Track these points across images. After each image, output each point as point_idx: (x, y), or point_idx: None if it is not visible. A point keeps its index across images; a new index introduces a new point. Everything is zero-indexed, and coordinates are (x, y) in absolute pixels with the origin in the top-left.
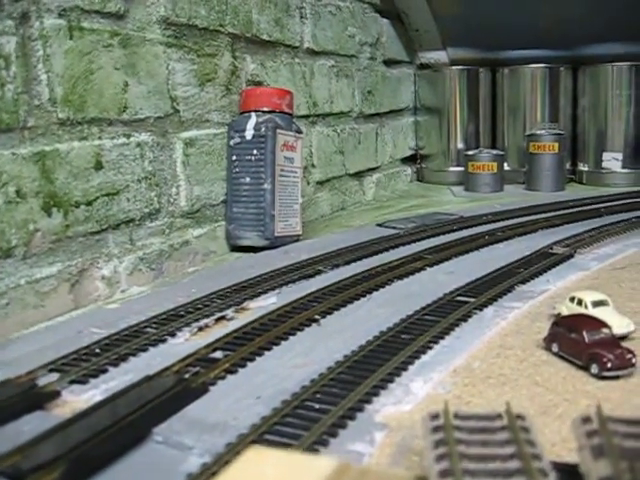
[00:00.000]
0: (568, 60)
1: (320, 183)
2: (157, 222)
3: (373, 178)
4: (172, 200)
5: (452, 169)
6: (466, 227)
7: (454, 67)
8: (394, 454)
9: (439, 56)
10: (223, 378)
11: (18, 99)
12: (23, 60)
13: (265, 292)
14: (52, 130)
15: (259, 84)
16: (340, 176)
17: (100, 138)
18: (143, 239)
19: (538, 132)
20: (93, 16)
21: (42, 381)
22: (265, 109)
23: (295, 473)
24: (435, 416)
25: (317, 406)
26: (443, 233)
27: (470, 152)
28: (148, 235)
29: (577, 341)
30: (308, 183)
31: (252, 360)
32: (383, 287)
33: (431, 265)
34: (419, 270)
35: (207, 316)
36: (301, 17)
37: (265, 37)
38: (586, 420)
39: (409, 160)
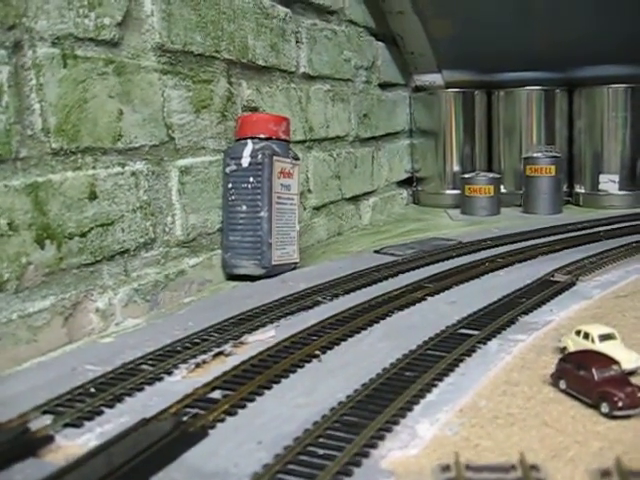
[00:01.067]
0: (564, 82)
1: (316, 208)
2: (152, 252)
3: (369, 202)
4: (167, 229)
5: (448, 192)
6: (465, 253)
7: (449, 90)
8: None
9: (434, 79)
10: (222, 420)
11: (10, 129)
12: (15, 89)
13: (264, 325)
14: (45, 160)
15: (255, 110)
16: (336, 201)
17: (94, 168)
18: (138, 270)
19: (535, 155)
20: (87, 44)
21: (35, 424)
22: (262, 136)
23: None
24: (446, 467)
25: (321, 452)
26: (442, 260)
27: (466, 175)
28: (143, 265)
29: (586, 379)
30: (304, 208)
31: (252, 400)
32: (384, 319)
33: (432, 294)
34: (420, 300)
35: (205, 352)
36: (297, 42)
37: (261, 62)
38: (605, 474)
39: (405, 183)
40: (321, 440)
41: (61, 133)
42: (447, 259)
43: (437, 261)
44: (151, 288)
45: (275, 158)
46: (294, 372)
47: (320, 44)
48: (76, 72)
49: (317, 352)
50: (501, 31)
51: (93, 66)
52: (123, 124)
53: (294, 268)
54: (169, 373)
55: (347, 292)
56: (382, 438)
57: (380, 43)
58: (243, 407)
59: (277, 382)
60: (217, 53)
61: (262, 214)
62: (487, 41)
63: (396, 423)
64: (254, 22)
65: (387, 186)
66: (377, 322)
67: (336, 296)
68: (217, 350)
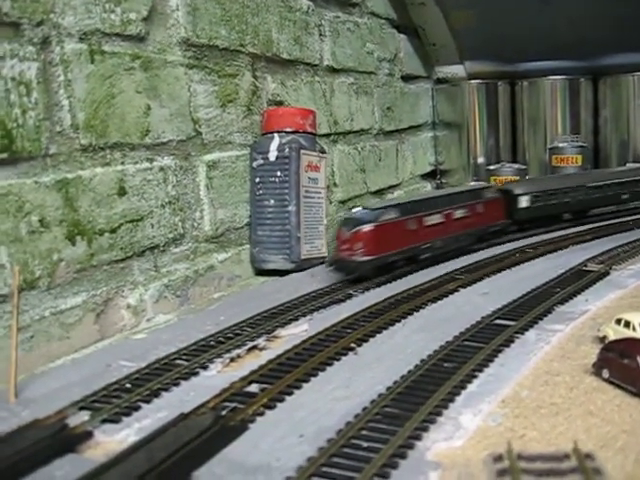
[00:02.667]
0: (588, 71)
1: (342, 202)
2: (181, 247)
3: (394, 195)
4: (196, 225)
5: (472, 184)
6: (495, 244)
7: (472, 81)
8: None
9: (457, 70)
10: (262, 414)
11: (40, 126)
12: (44, 86)
13: (296, 319)
14: (74, 157)
15: (280, 104)
16: (362, 194)
17: (123, 163)
18: (168, 265)
19: (561, 145)
20: (114, 39)
21: (72, 421)
22: (288, 129)
23: None
24: (499, 457)
25: (365, 444)
26: (472, 251)
27: (492, 166)
28: (173, 261)
29: (631, 367)
30: (330, 202)
31: (290, 394)
32: (417, 311)
33: (464, 286)
34: (452, 292)
35: (238, 346)
36: (320, 35)
37: (285, 56)
38: None
39: (429, 176)
40: (364, 433)
41: (90, 129)
42: (477, 250)
43: (467, 252)
44: (181, 284)
45: (302, 151)
46: (330, 365)
47: (343, 37)
48: (103, 67)
49: (353, 345)
50: (523, 20)
51: (120, 61)
52: (151, 119)
53: (322, 262)
54: (204, 368)
55: (378, 285)
56: (426, 430)
57: (402, 35)
58: (282, 401)
59: (314, 375)
60: (242, 47)
61: (290, 208)
62: (509, 31)
63: (439, 414)
64: (277, 15)
65: (411, 179)
66: (411, 314)
67: (367, 289)
68: (251, 344)
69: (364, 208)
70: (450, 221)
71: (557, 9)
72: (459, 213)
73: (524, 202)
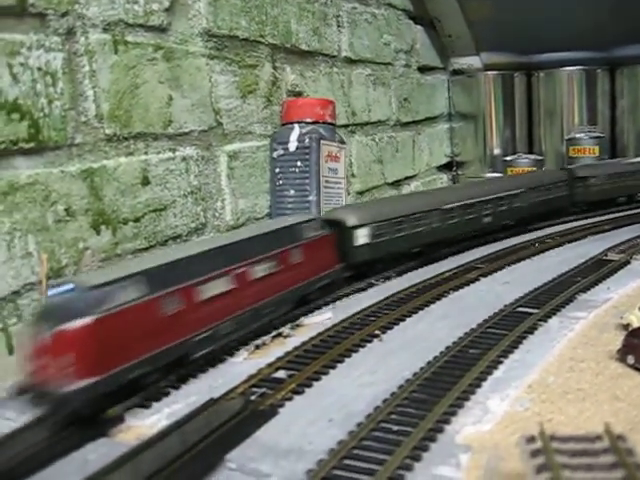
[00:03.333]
0: (605, 61)
1: (360, 193)
2: (203, 237)
3: (411, 187)
4: (217, 214)
5: (489, 175)
6: (514, 235)
7: (488, 72)
8: (482, 478)
9: (472, 61)
10: (290, 399)
11: (66, 116)
12: (69, 76)
13: (319, 307)
14: (99, 146)
15: (299, 95)
16: (379, 185)
17: (146, 153)
18: None
19: (578, 136)
20: (137, 30)
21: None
22: (308, 120)
23: None
24: (531, 439)
25: (395, 428)
26: (492, 241)
27: (509, 157)
28: None
29: None
30: (348, 193)
31: (317, 380)
32: (439, 299)
33: (485, 275)
34: (473, 281)
35: (263, 334)
36: (338, 26)
37: (304, 47)
38: None
39: (444, 168)
40: (393, 417)
41: (114, 119)
42: (496, 240)
43: (487, 242)
44: None
45: (322, 142)
46: (356, 352)
47: (360, 28)
48: (127, 58)
49: (377, 332)
50: (540, 11)
51: (143, 52)
52: (173, 109)
53: None
54: (230, 354)
55: (399, 274)
56: (455, 414)
57: (418, 26)
58: (309, 386)
59: (340, 361)
60: (262, 38)
61: (311, 198)
62: (525, 22)
63: (467, 399)
64: (296, 6)
65: (428, 170)
66: (433, 302)
67: (388, 278)
68: (275, 332)
69: (75, 286)
70: (245, 285)
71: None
72: (260, 270)
73: (363, 237)
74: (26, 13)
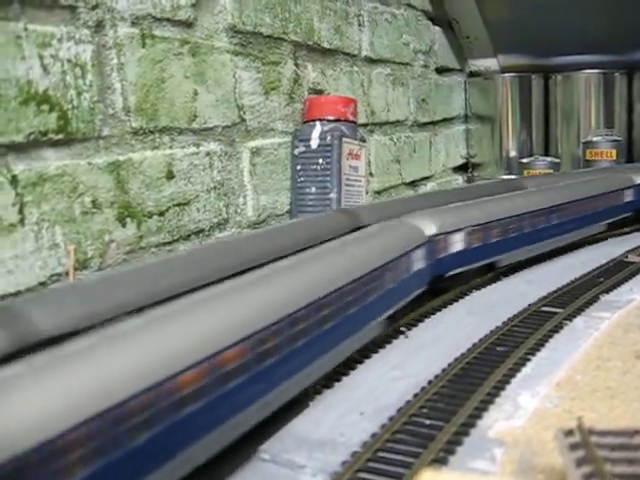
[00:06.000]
0: (623, 65)
1: (378, 192)
2: (225, 232)
3: (427, 187)
4: (239, 210)
5: (505, 177)
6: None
7: (506, 74)
8: (517, 472)
9: (490, 63)
10: (320, 393)
11: (94, 108)
12: (98, 69)
13: None
14: (126, 139)
15: (320, 92)
16: (397, 185)
17: (171, 147)
18: None
19: (595, 139)
20: (164, 24)
21: None
22: (330, 117)
23: None
24: (569, 432)
25: (427, 422)
26: None
27: (525, 160)
28: None
29: None
30: (367, 192)
31: (346, 374)
32: (462, 297)
33: (507, 274)
34: (495, 280)
35: None
36: (359, 25)
37: (326, 45)
38: None
39: (460, 169)
40: (425, 411)
41: (140, 112)
42: None
43: None
44: None
45: (344, 139)
46: (382, 348)
47: (381, 27)
48: (154, 52)
49: (402, 328)
50: (558, 14)
51: (170, 46)
52: (198, 104)
53: None
54: None
55: None
56: (486, 409)
57: (437, 27)
58: (338, 380)
59: (368, 357)
60: (285, 35)
61: (331, 195)
62: (544, 24)
63: (497, 395)
64: (319, 4)
65: (444, 171)
66: (456, 300)
67: None
68: None
69: None
70: None
71: (592, 2)
72: None
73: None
74: (57, 5)
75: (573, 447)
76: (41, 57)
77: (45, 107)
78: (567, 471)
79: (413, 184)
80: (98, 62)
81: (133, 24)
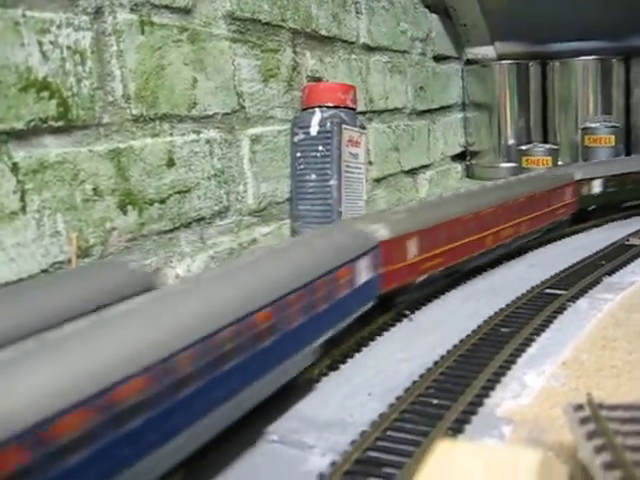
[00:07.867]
0: (620, 51)
1: (377, 180)
2: (226, 220)
3: (426, 175)
4: (240, 198)
5: (503, 165)
6: None
7: (503, 61)
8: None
9: (487, 51)
10: (326, 375)
11: (94, 95)
12: (98, 55)
13: None
14: (126, 127)
15: (318, 80)
16: (396, 173)
17: (171, 135)
18: (213, 238)
19: (593, 125)
20: (162, 11)
21: None
22: (329, 104)
23: (502, 466)
24: (579, 407)
25: (435, 402)
26: None
27: (524, 147)
28: (218, 234)
29: None
30: (366, 180)
31: (351, 357)
32: (464, 282)
33: (508, 259)
34: (496, 264)
35: None
36: (357, 12)
37: (324, 32)
38: None
39: (458, 157)
40: (432, 391)
41: (140, 100)
42: None
43: None
44: (226, 256)
45: (344, 126)
46: (387, 330)
47: (378, 15)
48: (153, 39)
49: (406, 312)
50: (555, 0)
51: (169, 33)
52: (197, 92)
53: None
54: None
55: None
56: (493, 388)
57: (434, 15)
58: (343, 362)
59: (372, 340)
60: (283, 22)
61: (331, 182)
62: (540, 11)
63: (503, 374)
64: None
65: (442, 160)
66: (459, 284)
67: None
68: None
69: None
70: None
71: None
72: None
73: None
74: None
75: (583, 421)
76: (40, 44)
77: (45, 94)
78: (578, 445)
79: (412, 172)
80: (97, 49)
81: (132, 10)
